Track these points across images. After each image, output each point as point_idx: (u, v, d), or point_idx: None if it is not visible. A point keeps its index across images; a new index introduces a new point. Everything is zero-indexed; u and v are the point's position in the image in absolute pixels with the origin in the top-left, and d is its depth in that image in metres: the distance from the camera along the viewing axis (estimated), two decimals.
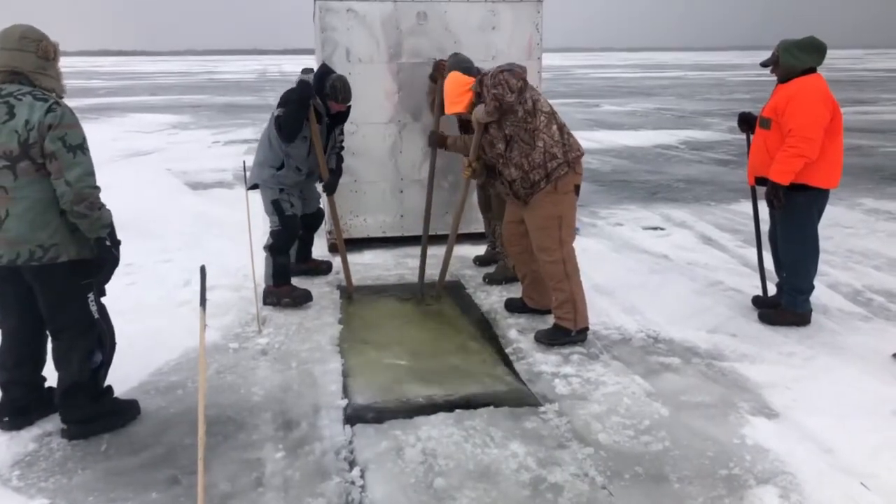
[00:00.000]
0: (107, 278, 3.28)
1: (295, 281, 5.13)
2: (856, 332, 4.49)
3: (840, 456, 3.10)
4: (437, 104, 5.48)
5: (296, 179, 5.03)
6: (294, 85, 4.91)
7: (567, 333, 4.30)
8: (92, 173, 3.07)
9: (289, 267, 5.06)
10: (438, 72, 5.49)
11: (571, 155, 4.26)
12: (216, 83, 42.00)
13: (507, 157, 4.29)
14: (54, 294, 3.17)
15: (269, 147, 4.97)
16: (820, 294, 4.91)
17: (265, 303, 4.89)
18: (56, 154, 2.97)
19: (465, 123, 5.48)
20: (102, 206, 3.10)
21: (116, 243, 3.27)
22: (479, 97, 4.34)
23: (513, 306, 4.89)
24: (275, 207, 4.94)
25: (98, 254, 3.17)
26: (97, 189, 3.08)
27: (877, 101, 23.68)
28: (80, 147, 3.03)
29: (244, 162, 5.42)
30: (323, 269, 5.75)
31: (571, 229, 4.38)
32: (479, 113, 4.26)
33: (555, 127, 4.26)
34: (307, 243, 5.70)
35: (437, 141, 5.45)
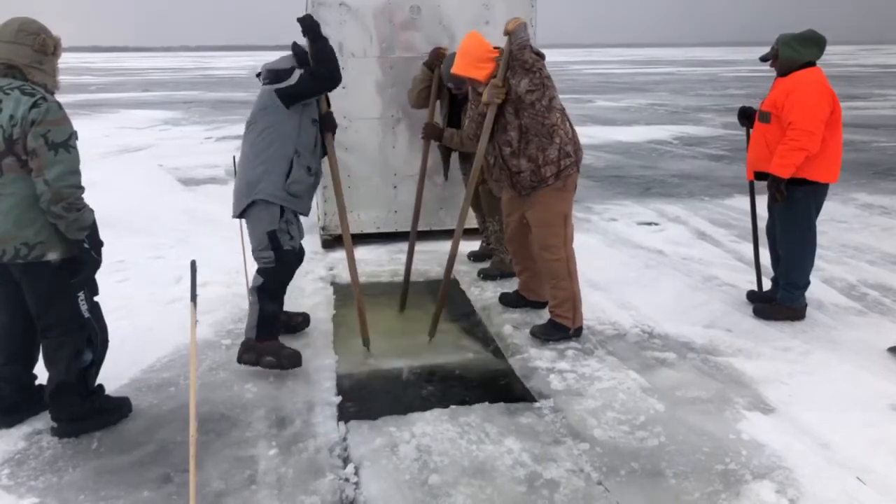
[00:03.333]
0: (86, 281, 3.20)
1: None
2: (851, 327, 4.49)
3: (836, 450, 3.09)
4: (433, 91, 5.28)
5: (307, 185, 4.01)
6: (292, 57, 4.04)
7: (564, 331, 4.28)
8: (74, 172, 2.99)
9: (279, 316, 4.07)
10: (437, 59, 5.27)
11: (580, 154, 4.25)
12: (209, 79, 41.82)
13: (520, 149, 4.15)
14: (41, 292, 3.13)
15: (270, 148, 3.87)
16: (815, 289, 4.90)
17: (241, 360, 3.86)
18: (37, 151, 2.91)
19: (455, 114, 5.35)
20: (83, 207, 3.03)
21: (98, 245, 3.19)
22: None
23: (507, 300, 4.87)
24: (270, 241, 3.88)
25: (78, 256, 3.11)
26: (79, 189, 3.01)
27: (869, 96, 23.78)
28: (64, 145, 2.95)
29: (234, 157, 5.36)
30: (298, 322, 4.55)
31: (573, 229, 4.36)
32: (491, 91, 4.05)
33: (568, 124, 4.21)
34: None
35: (432, 133, 5.19)
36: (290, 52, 4.07)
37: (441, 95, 5.34)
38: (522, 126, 4.11)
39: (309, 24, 3.94)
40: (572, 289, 4.29)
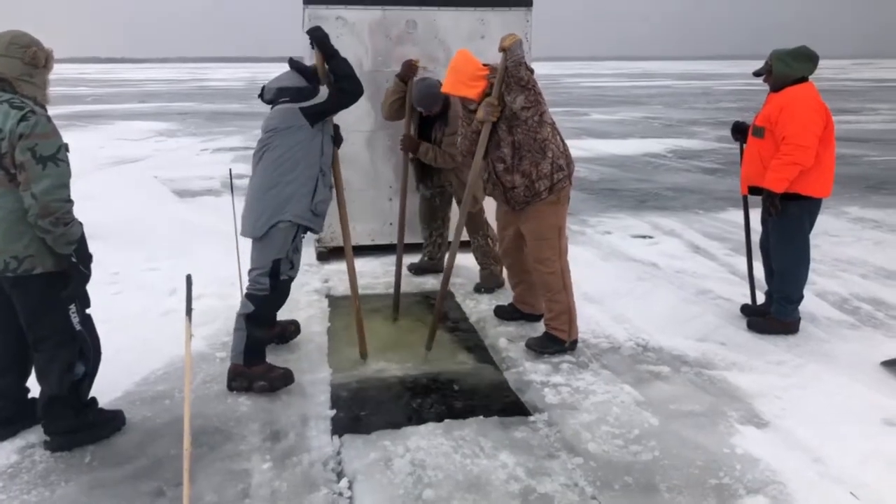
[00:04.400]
0: (74, 295, 3.17)
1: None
2: (844, 340, 4.51)
3: (830, 465, 3.10)
4: (408, 103, 5.26)
5: (328, 203, 4.01)
6: (290, 71, 4.00)
7: (560, 344, 4.29)
8: (63, 186, 2.97)
9: (265, 340, 4.03)
10: (410, 71, 5.26)
11: (572, 167, 4.30)
12: (205, 91, 41.88)
13: (513, 165, 4.18)
14: (31, 305, 3.12)
15: (302, 168, 3.82)
16: (808, 302, 4.92)
17: (231, 388, 3.83)
18: (24, 165, 2.90)
19: (425, 129, 5.37)
20: (71, 221, 3.01)
21: (86, 259, 3.18)
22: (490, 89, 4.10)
23: (502, 313, 4.88)
24: (272, 268, 3.86)
25: (66, 270, 3.09)
26: (67, 203, 2.99)
27: (861, 110, 23.95)
28: (52, 158, 2.94)
29: (230, 169, 5.37)
30: (290, 332, 4.57)
31: (567, 242, 4.39)
32: (485, 109, 4.07)
33: (559, 137, 4.25)
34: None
35: (410, 145, 5.24)
36: (290, 69, 4.00)
37: (413, 109, 5.38)
38: (516, 142, 4.14)
39: (320, 37, 3.92)
40: (567, 301, 4.31)
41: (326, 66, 3.96)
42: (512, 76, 3.98)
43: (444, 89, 4.28)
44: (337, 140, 4.12)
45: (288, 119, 3.82)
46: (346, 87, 3.89)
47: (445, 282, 4.45)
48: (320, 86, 3.96)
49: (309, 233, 4.04)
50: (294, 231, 3.88)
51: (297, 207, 3.82)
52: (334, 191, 4.16)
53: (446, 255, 5.99)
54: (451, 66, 4.21)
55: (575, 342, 4.35)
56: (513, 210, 4.38)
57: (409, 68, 5.26)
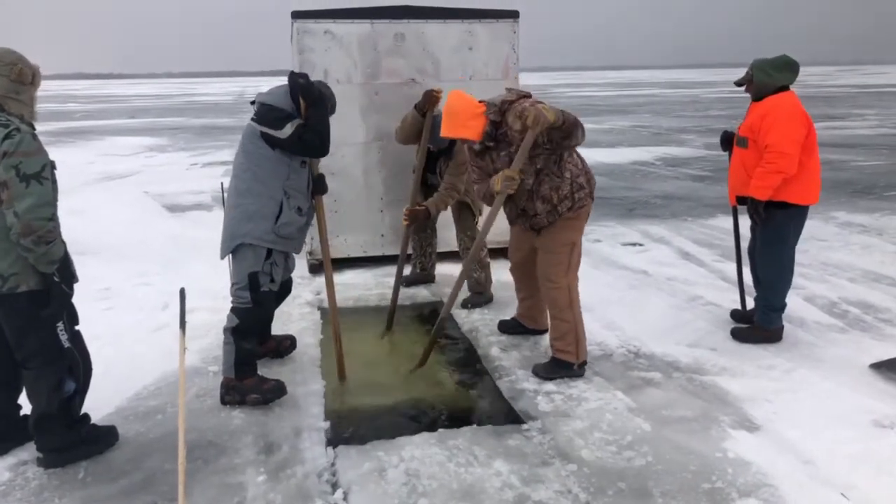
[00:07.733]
0: (56, 314, 3.13)
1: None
2: (833, 344, 4.54)
3: (820, 467, 3.13)
4: (423, 141, 5.20)
5: (298, 226, 3.93)
6: (268, 102, 3.85)
7: (569, 367, 4.14)
8: (46, 204, 2.95)
9: (255, 353, 4.00)
10: (431, 104, 5.12)
11: (593, 183, 4.20)
12: (194, 105, 41.87)
13: (535, 190, 4.05)
14: (17, 324, 3.10)
15: (260, 190, 3.78)
16: (797, 307, 4.96)
17: (224, 402, 3.83)
18: (8, 183, 2.89)
19: (432, 160, 5.38)
20: (53, 240, 2.98)
21: (69, 278, 3.15)
22: (494, 126, 3.97)
23: (506, 327, 4.81)
24: (250, 282, 3.83)
25: (48, 288, 3.07)
26: (50, 222, 2.96)
27: (848, 116, 24.13)
28: (36, 176, 2.92)
29: (222, 183, 5.38)
30: (286, 347, 4.55)
31: (579, 258, 4.26)
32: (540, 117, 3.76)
33: (576, 156, 4.15)
34: (268, 321, 4.45)
35: (421, 218, 5.19)
36: (286, 85, 3.89)
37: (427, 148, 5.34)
38: (538, 170, 4.00)
39: (303, 86, 3.81)
40: (574, 320, 4.16)
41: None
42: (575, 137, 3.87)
43: (443, 133, 4.10)
44: (319, 188, 4.03)
45: (249, 138, 3.82)
46: (309, 140, 3.76)
47: (451, 300, 4.28)
48: (294, 119, 3.78)
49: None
50: (263, 251, 3.83)
51: (258, 229, 3.77)
52: (314, 216, 4.10)
53: (437, 265, 6.07)
54: (447, 110, 4.05)
55: (584, 364, 4.18)
56: (533, 230, 4.28)
57: (430, 100, 5.12)
